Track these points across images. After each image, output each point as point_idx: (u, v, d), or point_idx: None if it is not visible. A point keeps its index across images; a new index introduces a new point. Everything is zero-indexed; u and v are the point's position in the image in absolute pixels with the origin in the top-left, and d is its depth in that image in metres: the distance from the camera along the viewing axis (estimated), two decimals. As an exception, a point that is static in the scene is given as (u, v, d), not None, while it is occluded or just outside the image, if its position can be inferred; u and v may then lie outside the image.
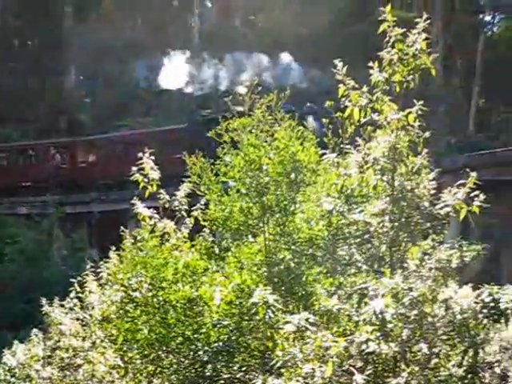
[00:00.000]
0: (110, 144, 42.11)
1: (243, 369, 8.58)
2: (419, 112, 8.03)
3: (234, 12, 55.71)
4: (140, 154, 9.40)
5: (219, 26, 53.03)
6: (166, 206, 10.15)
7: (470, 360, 7.33)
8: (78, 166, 42.17)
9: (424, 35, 7.84)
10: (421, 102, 8.04)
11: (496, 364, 11.53)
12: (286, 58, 40.61)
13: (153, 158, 9.52)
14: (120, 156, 37.65)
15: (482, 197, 7.99)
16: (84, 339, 11.57)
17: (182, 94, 48.17)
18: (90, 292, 11.71)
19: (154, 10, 52.71)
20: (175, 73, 44.07)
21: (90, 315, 11.41)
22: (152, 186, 9.83)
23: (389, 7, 7.85)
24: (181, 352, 8.80)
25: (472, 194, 8.04)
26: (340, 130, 9.27)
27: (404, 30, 7.94)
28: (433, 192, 8.32)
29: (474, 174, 7.97)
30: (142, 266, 9.02)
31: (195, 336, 8.65)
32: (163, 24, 52.16)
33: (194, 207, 10.07)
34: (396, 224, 8.09)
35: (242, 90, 9.47)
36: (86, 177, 40.63)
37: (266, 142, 9.14)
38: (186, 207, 10.25)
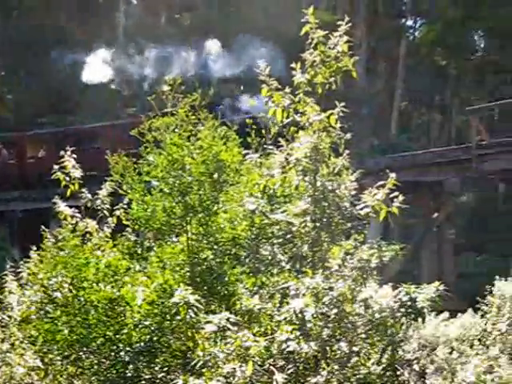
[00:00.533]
0: (61, 138, 40.81)
1: (165, 369, 8.54)
2: (341, 114, 8.15)
3: (160, 10, 55.32)
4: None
5: (144, 24, 52.59)
6: (88, 205, 10.06)
7: (389, 358, 7.45)
8: (26, 162, 40.73)
9: (346, 38, 7.95)
10: (343, 104, 8.15)
11: (415, 361, 11.82)
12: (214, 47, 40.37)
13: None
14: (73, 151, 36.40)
15: (401, 198, 8.15)
16: (3, 341, 11.33)
17: (108, 91, 47.67)
18: (9, 292, 11.46)
19: (79, 7, 51.99)
20: (100, 69, 43.50)
21: (9, 316, 11.17)
22: (74, 184, 9.75)
23: (311, 9, 7.93)
24: (102, 353, 8.70)
25: (392, 195, 8.19)
26: (263, 130, 9.34)
27: (326, 32, 8.04)
28: (355, 193, 8.45)
29: (393, 175, 8.12)
30: (63, 265, 8.89)
31: (117, 336, 8.56)
32: (88, 20, 51.50)
33: (117, 206, 10.00)
34: (317, 224, 8.19)
35: (165, 88, 9.42)
36: (35, 173, 39.27)
37: (189, 141, 9.12)
38: (108, 206, 10.17)
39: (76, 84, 45.60)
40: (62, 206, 9.74)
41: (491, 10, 41.96)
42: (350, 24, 8.02)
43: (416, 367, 11.73)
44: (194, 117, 9.24)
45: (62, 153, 9.97)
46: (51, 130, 41.60)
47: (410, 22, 53.10)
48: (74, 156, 9.95)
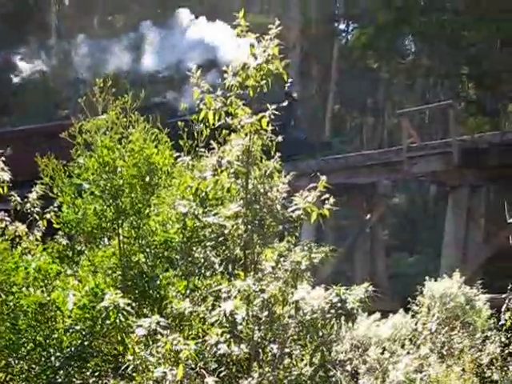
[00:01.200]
0: (21, 138, 39.65)
1: (96, 374, 8.45)
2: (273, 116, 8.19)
3: (91, 12, 54.73)
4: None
5: (77, 24, 51.96)
6: (18, 208, 9.91)
7: (320, 359, 7.50)
8: None
9: (277, 41, 7.99)
10: (275, 107, 8.20)
11: (347, 362, 11.93)
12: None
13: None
14: (35, 150, 35.08)
15: (332, 200, 8.22)
16: None
17: (41, 92, 46.99)
18: None
19: (8, 5, 51.10)
20: (34, 69, 42.77)
21: None
22: (2, 187, 9.58)
23: (242, 12, 7.95)
24: (32, 358, 8.56)
25: (324, 197, 8.26)
26: (195, 133, 9.33)
27: (257, 35, 8.07)
28: (288, 195, 8.50)
29: (324, 177, 8.19)
30: (-9, 270, 8.72)
31: (47, 341, 8.43)
32: (20, 19, 50.63)
33: (47, 209, 9.87)
34: (249, 227, 8.21)
35: (96, 90, 9.33)
36: None
37: (120, 144, 9.06)
38: (38, 210, 10.03)
39: (9, 85, 44.85)
40: (-11, 210, 9.57)
41: (422, 14, 42.77)
42: (281, 27, 8.06)
43: (348, 368, 11.85)
44: (125, 119, 9.18)
45: None
46: (11, 129, 40.65)
47: (342, 26, 53.82)
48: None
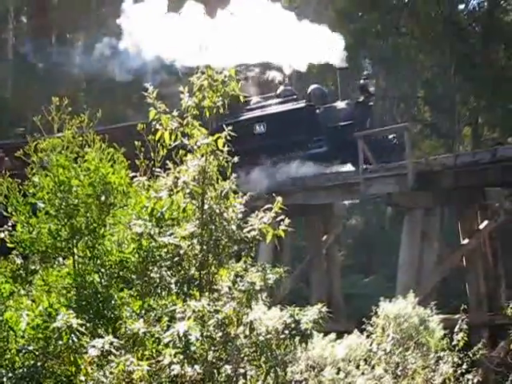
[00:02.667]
0: None
1: (49, 395, 8.36)
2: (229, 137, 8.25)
3: (50, 29, 54.43)
4: None
5: (34, 42, 51.63)
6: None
7: (274, 379, 7.52)
8: None
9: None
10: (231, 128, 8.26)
11: (303, 382, 11.96)
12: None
13: None
14: None
15: (287, 221, 8.29)
16: None
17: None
18: None
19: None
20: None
21: None
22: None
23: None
24: (-17, 379, 8.45)
25: (279, 218, 8.33)
26: (152, 153, 9.34)
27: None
28: (245, 216, 8.55)
29: (280, 198, 8.27)
30: None
31: (-1, 362, 8.34)
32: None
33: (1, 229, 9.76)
34: (205, 247, 8.24)
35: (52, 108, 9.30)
36: None
37: (76, 163, 9.03)
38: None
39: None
40: None
41: (377, 37, 43.49)
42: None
43: (304, 388, 11.89)
44: (81, 138, 9.16)
45: None
46: None
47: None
48: None
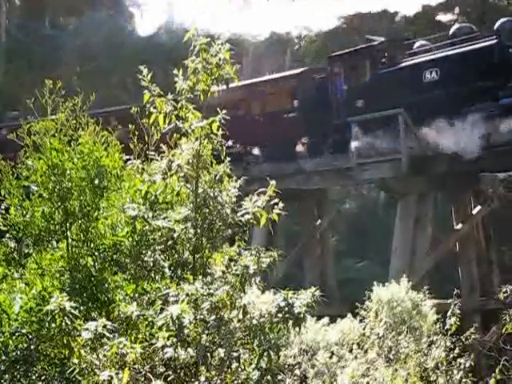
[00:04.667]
0: None
1: (42, 378, 8.37)
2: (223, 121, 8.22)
3: (43, 11, 54.19)
4: None
5: (27, 26, 51.43)
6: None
7: (267, 363, 7.53)
8: None
9: (228, 45, 8.04)
10: (225, 111, 8.23)
11: (296, 366, 12.00)
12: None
13: None
14: None
15: (281, 205, 8.28)
16: None
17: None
18: None
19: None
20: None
21: None
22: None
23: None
24: (-24, 362, 8.46)
25: (272, 202, 8.32)
26: (146, 136, 9.31)
27: (209, 39, 8.11)
28: (239, 199, 8.53)
29: (273, 182, 8.25)
30: None
31: (-8, 345, 8.34)
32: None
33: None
34: (199, 230, 8.23)
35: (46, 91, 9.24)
36: None
37: (69, 146, 9.00)
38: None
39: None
40: None
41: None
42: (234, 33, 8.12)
43: (297, 372, 11.92)
44: (74, 121, 9.13)
45: None
46: None
47: (295, 33, 54.03)
48: None
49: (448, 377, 11.64)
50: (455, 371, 11.65)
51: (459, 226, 25.46)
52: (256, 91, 29.81)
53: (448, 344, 12.05)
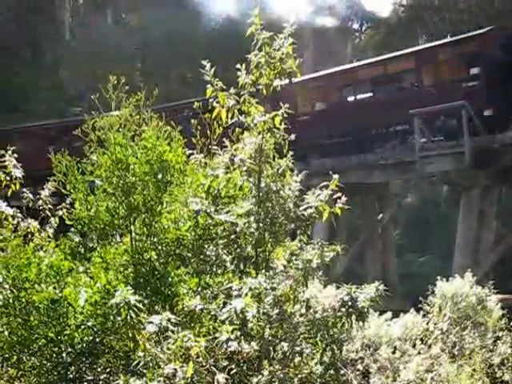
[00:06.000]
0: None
1: (107, 370, 8.49)
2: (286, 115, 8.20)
3: (106, 8, 54.89)
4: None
5: (89, 23, 52.15)
6: (30, 205, 9.96)
7: (330, 357, 7.50)
8: None
9: (291, 39, 8.00)
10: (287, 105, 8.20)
11: (358, 361, 11.94)
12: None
13: None
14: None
15: (344, 199, 8.22)
16: None
17: (53, 90, 47.18)
18: None
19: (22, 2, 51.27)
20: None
21: None
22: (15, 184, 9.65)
23: (257, 10, 7.96)
24: (44, 354, 8.60)
25: (335, 196, 8.27)
26: (208, 131, 9.33)
27: (272, 33, 8.08)
28: (301, 194, 8.50)
29: (336, 176, 8.20)
30: (4, 266, 8.75)
31: (59, 338, 8.47)
32: (32, 19, 50.79)
33: (60, 206, 9.92)
34: (261, 225, 8.22)
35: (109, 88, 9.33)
36: None
37: (133, 141, 9.07)
38: (50, 206, 10.07)
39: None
40: (2, 207, 9.61)
41: (434, 13, 42.80)
42: (295, 26, 8.07)
43: (360, 367, 11.86)
44: (138, 116, 9.20)
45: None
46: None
47: (355, 26, 53.85)
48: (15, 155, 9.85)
49: (514, 373, 11.45)
50: (522, 368, 11.46)
51: (524, 220, 24.98)
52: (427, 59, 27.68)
53: (514, 340, 11.86)
